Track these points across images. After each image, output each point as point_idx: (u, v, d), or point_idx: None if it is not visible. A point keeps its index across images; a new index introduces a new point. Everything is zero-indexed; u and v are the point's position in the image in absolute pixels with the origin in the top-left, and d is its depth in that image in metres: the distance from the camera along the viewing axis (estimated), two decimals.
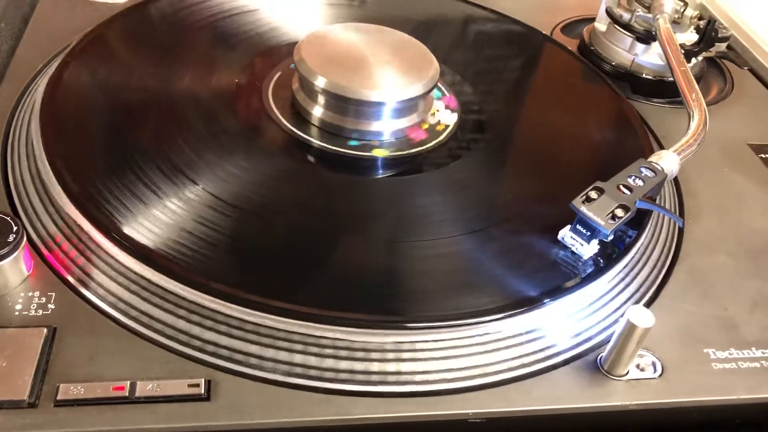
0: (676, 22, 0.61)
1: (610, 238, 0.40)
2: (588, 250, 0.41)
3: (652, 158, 0.44)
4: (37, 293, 0.37)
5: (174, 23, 0.57)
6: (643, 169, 0.42)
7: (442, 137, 0.51)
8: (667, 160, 0.43)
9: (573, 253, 0.41)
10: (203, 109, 0.49)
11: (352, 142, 0.49)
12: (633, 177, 0.42)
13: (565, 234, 0.41)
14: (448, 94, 0.55)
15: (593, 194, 0.40)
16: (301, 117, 0.50)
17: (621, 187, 0.41)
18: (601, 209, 0.39)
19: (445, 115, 0.53)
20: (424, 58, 0.52)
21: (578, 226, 0.40)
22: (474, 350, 0.37)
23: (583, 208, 0.39)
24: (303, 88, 0.50)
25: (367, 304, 0.38)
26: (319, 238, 0.41)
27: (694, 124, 0.48)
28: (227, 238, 0.40)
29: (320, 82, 0.48)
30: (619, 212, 0.40)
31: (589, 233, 0.40)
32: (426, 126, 0.52)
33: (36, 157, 0.43)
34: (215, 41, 0.56)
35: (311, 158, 0.48)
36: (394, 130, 0.50)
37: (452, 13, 0.67)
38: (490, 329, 0.37)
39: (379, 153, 0.49)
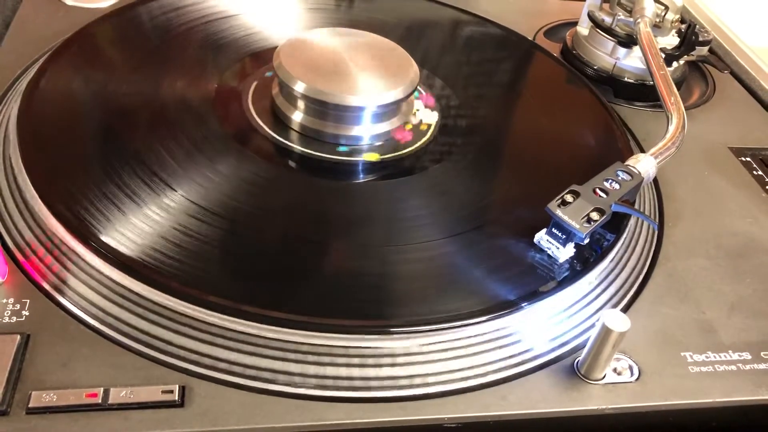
0: (658, 26, 0.61)
1: (586, 241, 0.41)
2: (564, 253, 0.41)
3: (629, 161, 0.44)
4: (11, 300, 0.37)
5: (154, 29, 0.57)
6: (619, 173, 0.42)
7: (427, 137, 0.51)
8: (644, 164, 0.44)
9: (549, 256, 0.41)
10: (182, 115, 0.49)
11: (342, 148, 0.49)
12: (609, 180, 0.42)
13: (541, 237, 0.41)
14: (425, 93, 0.55)
15: (569, 198, 0.40)
16: (281, 122, 0.50)
17: (597, 190, 0.41)
18: (576, 213, 0.39)
19: (425, 114, 0.53)
20: (403, 62, 0.52)
21: (554, 230, 0.40)
22: (450, 354, 0.37)
23: (558, 212, 0.39)
24: (282, 93, 0.50)
25: (344, 310, 0.37)
26: (297, 244, 0.41)
27: (672, 128, 0.48)
28: (204, 244, 0.39)
29: (299, 87, 0.47)
30: (595, 215, 0.40)
31: (564, 236, 0.40)
32: (410, 126, 0.52)
33: (12, 163, 0.43)
34: (195, 46, 0.56)
35: (291, 163, 0.48)
36: (375, 134, 0.50)
37: (435, 17, 0.67)
38: (466, 333, 0.37)
39: (371, 157, 0.49)
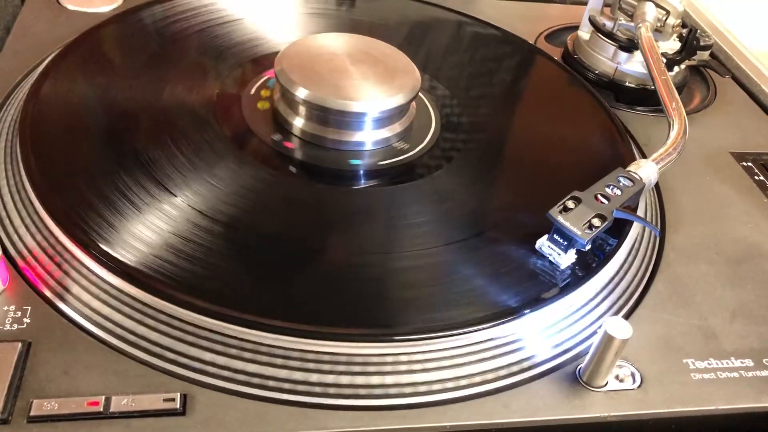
0: (659, 31, 0.61)
1: (588, 247, 0.41)
2: (565, 259, 0.41)
3: (631, 167, 0.44)
4: (12, 307, 0.37)
5: (155, 34, 0.57)
6: (621, 179, 0.42)
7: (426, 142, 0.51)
8: (646, 169, 0.44)
9: (551, 262, 0.41)
10: (183, 121, 0.49)
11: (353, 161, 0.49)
12: (611, 186, 0.42)
13: (543, 243, 0.41)
14: None
15: (570, 204, 0.40)
16: (282, 128, 0.50)
17: (599, 196, 0.41)
18: (577, 219, 0.39)
19: None
20: (405, 67, 0.52)
21: (555, 236, 0.40)
22: (452, 362, 0.37)
23: (560, 218, 0.39)
24: (284, 98, 0.50)
25: (345, 317, 0.37)
26: (298, 251, 0.41)
27: (673, 133, 0.48)
28: (206, 252, 0.39)
29: (301, 93, 0.47)
30: (596, 222, 0.40)
31: (566, 243, 0.40)
32: None
33: (14, 170, 0.43)
34: (197, 51, 0.56)
35: (292, 169, 0.48)
36: (376, 140, 0.50)
37: (437, 21, 0.67)
38: (468, 341, 0.37)
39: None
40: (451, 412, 0.35)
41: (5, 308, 0.36)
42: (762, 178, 0.55)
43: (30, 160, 0.42)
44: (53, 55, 0.52)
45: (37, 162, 0.42)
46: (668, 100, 0.52)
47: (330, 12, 0.65)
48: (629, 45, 0.61)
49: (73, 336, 0.36)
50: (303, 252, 0.41)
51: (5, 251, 0.39)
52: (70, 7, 0.62)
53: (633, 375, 0.38)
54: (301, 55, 0.50)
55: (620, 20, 0.61)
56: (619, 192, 0.41)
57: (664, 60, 0.58)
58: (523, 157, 0.53)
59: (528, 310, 0.38)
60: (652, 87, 0.56)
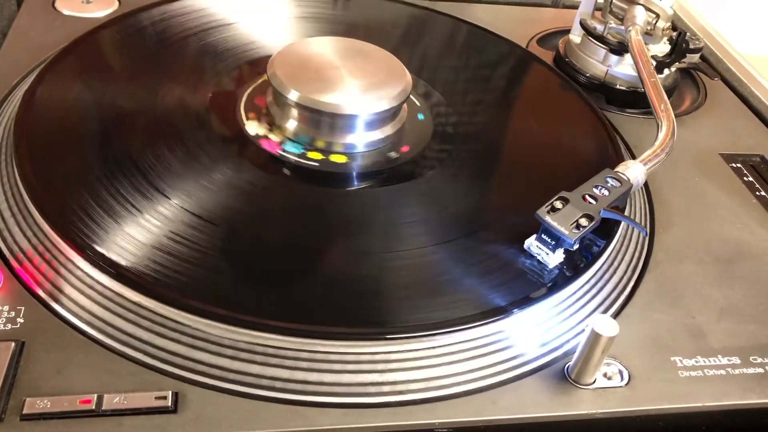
0: (649, 34, 0.62)
1: (575, 247, 0.41)
2: (553, 259, 0.41)
3: (619, 168, 0.44)
4: (6, 307, 0.37)
5: (150, 38, 0.57)
6: (609, 179, 0.43)
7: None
8: (633, 170, 0.44)
9: (539, 262, 0.42)
10: (177, 123, 0.49)
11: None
12: (599, 187, 0.42)
13: (531, 243, 0.42)
14: None
15: (558, 204, 0.41)
16: (275, 130, 0.51)
17: (586, 196, 0.41)
18: (565, 219, 0.40)
19: None
20: (396, 70, 0.52)
21: (543, 236, 0.41)
22: (441, 360, 0.37)
23: (548, 218, 0.40)
24: (276, 101, 0.51)
25: (335, 316, 0.38)
26: (289, 251, 0.42)
27: (661, 135, 0.49)
28: (198, 252, 0.40)
29: (293, 96, 0.48)
30: (584, 222, 0.40)
31: (553, 242, 0.40)
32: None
33: (8, 171, 0.43)
34: (192, 55, 0.57)
35: (285, 171, 0.49)
36: (368, 141, 0.50)
37: (428, 25, 0.68)
38: (457, 339, 0.38)
39: (338, 158, 0.49)
40: (440, 409, 0.36)
41: None
42: (751, 179, 0.55)
43: (24, 162, 0.43)
44: (49, 59, 0.52)
45: (31, 164, 0.43)
46: (657, 102, 0.52)
47: (323, 16, 0.65)
48: (620, 48, 0.61)
49: (66, 335, 0.36)
50: (295, 253, 0.42)
51: None
52: (66, 12, 0.62)
53: (621, 373, 0.39)
54: (293, 58, 0.51)
55: (611, 24, 0.62)
56: (606, 192, 0.42)
57: (654, 63, 0.58)
58: (514, 159, 0.54)
59: (517, 309, 0.39)
60: (642, 89, 0.56)
